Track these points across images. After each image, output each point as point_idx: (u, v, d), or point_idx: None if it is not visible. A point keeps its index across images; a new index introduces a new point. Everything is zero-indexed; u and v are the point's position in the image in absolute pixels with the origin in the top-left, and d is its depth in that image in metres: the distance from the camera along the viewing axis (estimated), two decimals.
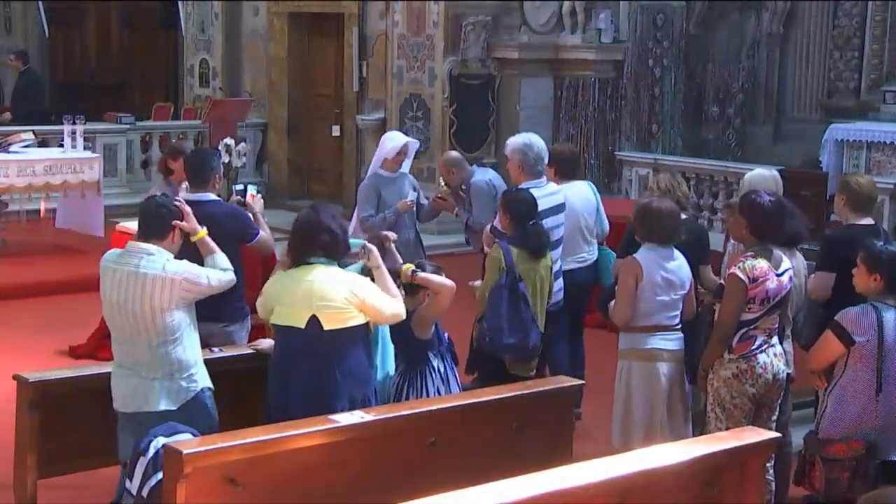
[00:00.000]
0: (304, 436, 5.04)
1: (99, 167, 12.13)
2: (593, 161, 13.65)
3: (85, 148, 12.40)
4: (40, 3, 18.40)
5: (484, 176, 8.17)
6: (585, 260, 7.70)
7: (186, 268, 5.31)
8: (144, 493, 4.91)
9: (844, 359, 5.52)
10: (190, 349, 5.34)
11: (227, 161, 13.22)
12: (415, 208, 8.08)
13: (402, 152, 8.17)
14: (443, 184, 8.17)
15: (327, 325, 5.30)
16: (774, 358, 5.85)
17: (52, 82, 20.56)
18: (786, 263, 5.87)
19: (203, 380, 5.40)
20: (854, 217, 6.52)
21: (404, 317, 5.54)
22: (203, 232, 5.52)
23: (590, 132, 13.67)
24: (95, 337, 8.92)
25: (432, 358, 5.87)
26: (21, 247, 12.03)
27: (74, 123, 12.20)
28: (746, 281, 5.68)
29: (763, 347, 5.81)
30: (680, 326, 6.13)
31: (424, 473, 5.22)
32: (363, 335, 5.49)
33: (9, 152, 11.83)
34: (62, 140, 12.26)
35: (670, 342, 6.08)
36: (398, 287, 5.68)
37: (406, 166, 8.29)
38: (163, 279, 5.20)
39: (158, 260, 5.26)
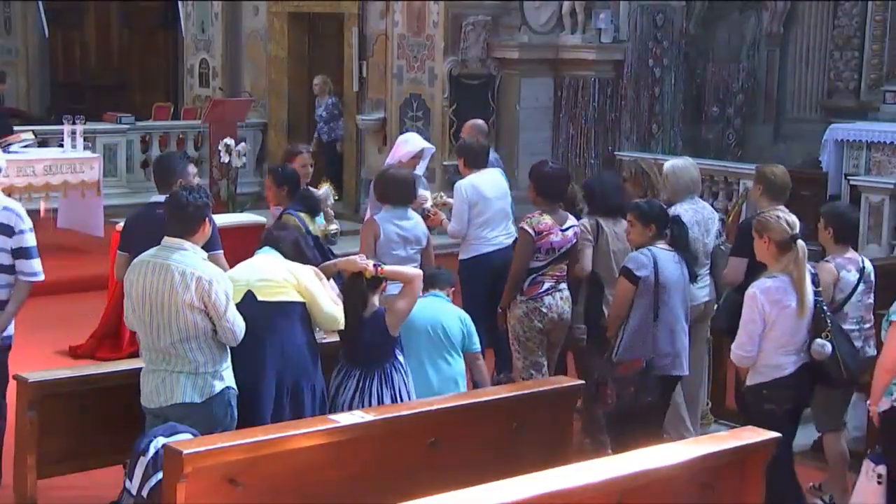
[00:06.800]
0: (304, 436, 5.05)
1: (99, 167, 12.13)
2: (593, 161, 13.63)
3: (85, 148, 12.40)
4: (40, 3, 18.40)
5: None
6: (502, 243, 7.94)
7: (215, 275, 5.28)
8: (144, 493, 4.91)
9: (634, 296, 6.40)
10: (217, 349, 5.33)
11: (227, 161, 13.29)
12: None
13: (417, 156, 8.33)
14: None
15: (260, 297, 5.52)
16: (560, 301, 7.02)
17: (51, 82, 20.59)
18: (570, 221, 7.03)
19: (229, 379, 5.39)
20: (769, 206, 6.75)
21: (341, 326, 5.74)
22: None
23: (590, 132, 13.65)
24: (95, 337, 8.94)
25: (398, 354, 5.93)
26: None
27: (74, 123, 12.20)
28: (533, 234, 6.88)
29: (549, 291, 6.98)
30: None
31: (424, 473, 5.23)
32: (300, 317, 5.62)
33: (9, 152, 11.83)
34: (62, 140, 12.26)
35: None
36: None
37: (421, 169, 8.41)
38: (191, 275, 5.20)
39: (192, 256, 5.27)
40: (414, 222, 7.27)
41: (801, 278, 5.75)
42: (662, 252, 6.40)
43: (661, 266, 6.34)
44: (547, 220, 6.93)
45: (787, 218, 5.85)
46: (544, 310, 6.92)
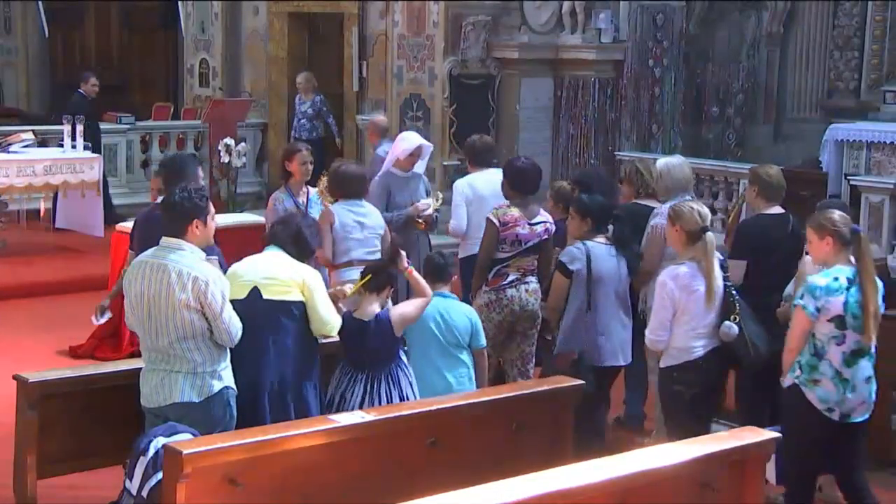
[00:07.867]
0: (304, 436, 5.05)
1: (99, 167, 12.12)
2: (593, 161, 13.62)
3: (85, 148, 12.39)
4: (40, 3, 18.38)
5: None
6: None
7: (212, 276, 5.27)
8: (144, 493, 4.91)
9: (569, 289, 6.55)
10: (215, 349, 5.32)
11: (227, 161, 13.30)
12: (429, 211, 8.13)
13: (414, 154, 8.28)
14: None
15: (265, 295, 5.54)
16: (525, 293, 7.04)
17: (52, 82, 20.58)
18: (542, 217, 7.11)
19: (228, 379, 5.39)
20: (765, 206, 6.91)
21: (335, 333, 5.77)
22: None
23: (590, 132, 13.64)
24: (95, 337, 8.93)
25: (402, 354, 5.99)
26: (21, 247, 12.03)
27: (74, 123, 12.18)
28: (497, 224, 6.97)
29: (514, 283, 7.02)
30: None
31: (424, 473, 5.23)
32: (304, 317, 5.63)
33: (9, 152, 11.83)
34: (62, 140, 12.25)
35: None
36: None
37: (420, 167, 8.38)
38: (187, 275, 5.19)
39: (189, 257, 5.26)
40: (368, 211, 7.40)
41: (710, 268, 5.95)
42: (598, 246, 6.60)
43: (594, 260, 6.54)
44: (514, 212, 7.00)
45: (700, 210, 6.06)
46: (505, 301, 6.97)
